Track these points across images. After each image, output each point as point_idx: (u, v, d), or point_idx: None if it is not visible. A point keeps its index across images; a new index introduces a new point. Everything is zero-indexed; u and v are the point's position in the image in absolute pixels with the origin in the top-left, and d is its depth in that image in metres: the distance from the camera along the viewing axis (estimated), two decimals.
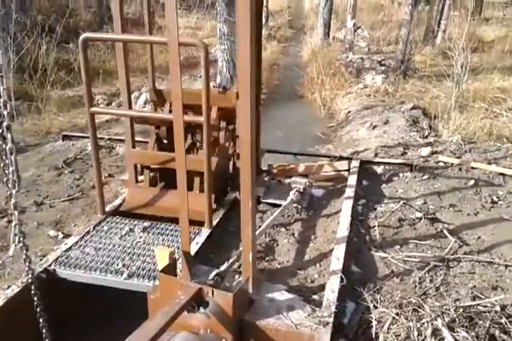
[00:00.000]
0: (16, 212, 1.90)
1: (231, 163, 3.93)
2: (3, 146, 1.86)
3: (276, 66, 11.54)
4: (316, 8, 17.47)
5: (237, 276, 2.77)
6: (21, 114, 6.48)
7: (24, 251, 1.95)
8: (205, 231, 3.31)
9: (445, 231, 3.46)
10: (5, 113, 1.85)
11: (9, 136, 1.86)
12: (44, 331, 2.06)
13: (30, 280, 2.00)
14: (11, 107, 1.90)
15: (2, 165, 1.88)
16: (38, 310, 2.02)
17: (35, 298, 2.02)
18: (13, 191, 1.88)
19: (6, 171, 1.88)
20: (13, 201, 1.90)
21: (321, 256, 3.21)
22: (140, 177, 3.77)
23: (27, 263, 1.98)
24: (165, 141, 3.83)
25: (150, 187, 3.68)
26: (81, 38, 3.03)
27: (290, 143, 6.02)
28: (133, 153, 3.71)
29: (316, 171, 4.43)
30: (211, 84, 8.47)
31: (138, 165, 3.74)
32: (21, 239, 1.92)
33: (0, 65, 1.83)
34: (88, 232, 3.27)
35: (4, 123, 1.86)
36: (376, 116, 6.68)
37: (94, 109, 3.23)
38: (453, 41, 7.66)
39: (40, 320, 2.04)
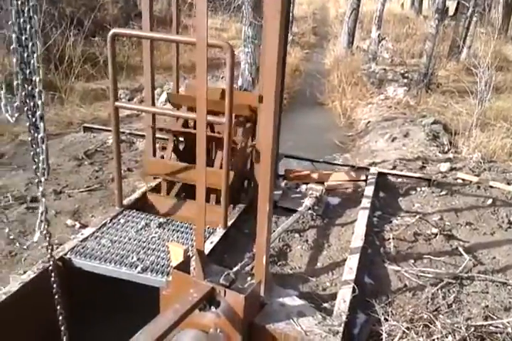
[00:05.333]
0: (44, 200, 1.92)
1: (248, 160, 3.92)
2: (35, 135, 1.89)
3: (299, 72, 11.55)
4: (340, 16, 17.49)
5: (249, 278, 2.77)
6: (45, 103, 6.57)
7: (47, 239, 1.97)
8: (220, 231, 3.31)
9: (460, 249, 3.45)
10: (39, 103, 1.88)
11: (42, 125, 1.89)
12: (60, 318, 2.07)
13: (50, 268, 2.02)
14: (45, 97, 1.93)
15: (32, 153, 1.90)
16: (57, 297, 2.04)
17: (55, 285, 2.04)
18: (43, 179, 1.90)
19: (36, 159, 1.90)
20: (41, 189, 1.93)
21: (334, 264, 3.21)
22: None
23: (49, 251, 2.00)
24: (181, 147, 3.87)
25: (166, 195, 3.73)
26: (110, 33, 3.02)
27: (307, 150, 6.01)
28: (151, 161, 3.76)
29: (333, 179, 4.43)
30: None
31: None
32: (46, 226, 1.94)
33: (37, 55, 1.85)
34: (105, 224, 3.29)
35: (38, 113, 1.89)
36: (396, 128, 6.65)
37: (118, 103, 3.26)
38: (478, 58, 7.62)
39: (58, 307, 2.06)
